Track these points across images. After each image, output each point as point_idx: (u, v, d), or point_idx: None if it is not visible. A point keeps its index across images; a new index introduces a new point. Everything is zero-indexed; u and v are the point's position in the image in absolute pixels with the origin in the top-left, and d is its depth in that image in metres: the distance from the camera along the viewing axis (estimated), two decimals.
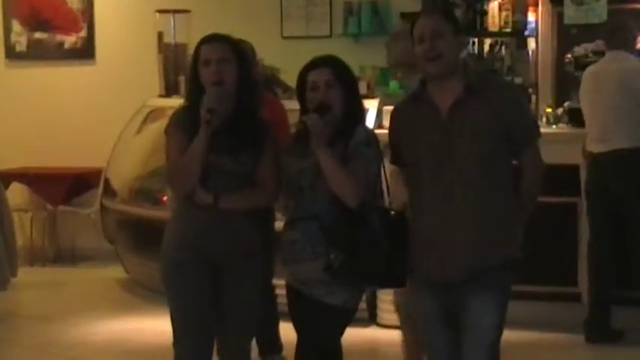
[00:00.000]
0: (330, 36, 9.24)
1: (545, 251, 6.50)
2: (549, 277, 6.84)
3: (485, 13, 8.79)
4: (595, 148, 6.66)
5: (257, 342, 5.70)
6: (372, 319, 7.11)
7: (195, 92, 4.30)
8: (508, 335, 4.19)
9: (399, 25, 5.47)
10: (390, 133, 4.29)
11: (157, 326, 6.88)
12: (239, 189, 4.32)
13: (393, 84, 8.09)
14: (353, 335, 4.78)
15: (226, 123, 4.24)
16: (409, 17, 6.05)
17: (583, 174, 6.92)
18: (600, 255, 6.77)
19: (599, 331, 6.66)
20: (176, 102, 4.83)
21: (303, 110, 4.29)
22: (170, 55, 8.66)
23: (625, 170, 6.65)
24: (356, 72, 7.79)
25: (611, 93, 6.57)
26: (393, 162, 4.30)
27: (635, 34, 6.97)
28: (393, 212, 4.30)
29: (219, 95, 4.20)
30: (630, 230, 6.75)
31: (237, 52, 4.38)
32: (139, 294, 8.20)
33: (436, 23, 4.07)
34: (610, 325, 6.69)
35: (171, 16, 9.05)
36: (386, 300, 6.94)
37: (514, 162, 4.16)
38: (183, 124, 4.31)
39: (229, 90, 4.27)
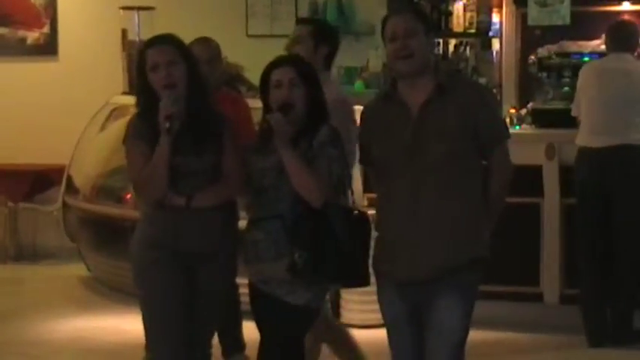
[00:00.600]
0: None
1: (507, 251, 6.46)
2: (512, 277, 6.86)
3: (450, 13, 8.84)
4: (590, 142, 6.64)
5: (220, 342, 5.68)
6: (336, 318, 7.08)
7: (147, 97, 4.24)
8: (471, 335, 4.18)
9: (298, 28, 5.47)
10: (359, 133, 4.29)
11: (119, 325, 6.87)
12: (208, 186, 4.28)
13: (358, 83, 8.11)
14: None
15: (183, 124, 4.18)
16: (306, 22, 6.05)
17: (547, 173, 6.97)
18: (591, 255, 6.76)
19: (601, 333, 6.66)
20: None
21: (266, 109, 4.28)
22: (134, 53, 8.55)
23: (621, 166, 6.63)
24: None
25: (614, 90, 6.58)
26: (361, 162, 4.30)
27: (637, 38, 6.96)
28: (356, 212, 4.30)
29: (174, 99, 4.15)
30: (616, 228, 6.72)
31: (184, 52, 4.31)
32: (100, 292, 8.13)
33: (408, 22, 4.07)
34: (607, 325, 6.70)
35: (135, 13, 9.01)
36: (350, 299, 6.94)
37: (484, 162, 4.17)
38: (141, 133, 4.23)
39: (182, 92, 4.20)
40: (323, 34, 5.26)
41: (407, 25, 4.05)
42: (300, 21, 6.58)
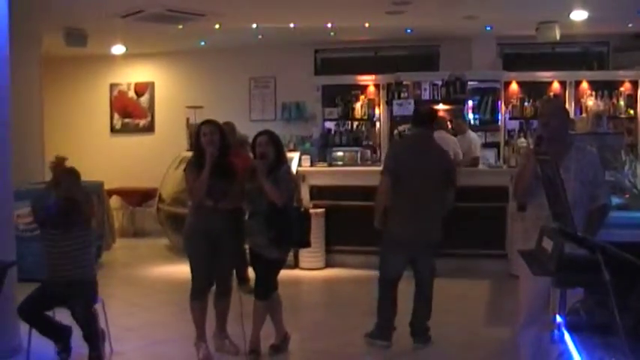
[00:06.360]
0: (275, 119, 9.15)
1: None
2: None
3: (354, 108, 8.67)
4: None
5: (237, 276, 5.53)
6: (296, 265, 6.91)
7: (198, 149, 4.18)
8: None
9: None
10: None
11: (182, 269, 6.69)
12: (226, 197, 4.17)
13: (306, 145, 8.03)
14: (285, 275, 4.64)
15: (214, 164, 4.11)
16: None
17: None
18: None
19: None
20: None
21: (254, 156, 4.23)
22: (192, 129, 8.20)
23: None
24: (287, 138, 7.71)
25: None
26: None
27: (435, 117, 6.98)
28: (302, 209, 4.28)
29: (214, 147, 4.12)
30: None
31: (219, 128, 4.23)
32: (175, 253, 7.94)
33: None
34: None
35: (193, 111, 8.85)
36: (303, 255, 6.75)
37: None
38: (195, 165, 4.18)
39: (217, 146, 4.13)
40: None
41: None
42: None
